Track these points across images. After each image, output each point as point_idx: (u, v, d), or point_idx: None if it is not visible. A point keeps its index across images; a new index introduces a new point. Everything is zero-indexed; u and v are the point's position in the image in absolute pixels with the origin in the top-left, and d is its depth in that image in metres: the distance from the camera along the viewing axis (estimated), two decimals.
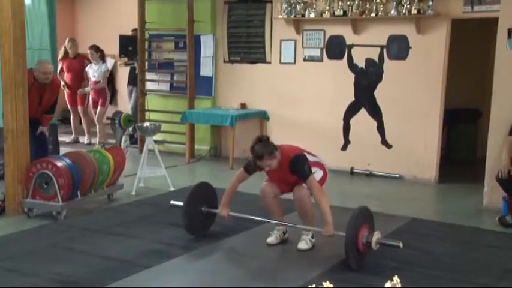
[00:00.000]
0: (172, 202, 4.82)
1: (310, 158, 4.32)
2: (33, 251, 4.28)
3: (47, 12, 6.88)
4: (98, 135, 8.61)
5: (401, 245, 3.98)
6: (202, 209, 4.62)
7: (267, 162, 4.18)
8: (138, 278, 3.80)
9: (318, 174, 4.33)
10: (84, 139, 9.05)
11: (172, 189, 6.28)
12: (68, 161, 5.21)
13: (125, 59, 9.23)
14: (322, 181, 4.37)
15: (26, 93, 5.24)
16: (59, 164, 5.11)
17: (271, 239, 4.48)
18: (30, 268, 3.93)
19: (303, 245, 4.34)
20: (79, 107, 9.03)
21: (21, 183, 5.17)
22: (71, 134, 9.22)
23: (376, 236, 4.01)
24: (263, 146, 4.18)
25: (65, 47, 8.91)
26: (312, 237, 4.38)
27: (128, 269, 3.91)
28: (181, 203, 4.59)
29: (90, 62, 8.80)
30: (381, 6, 6.89)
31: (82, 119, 9.13)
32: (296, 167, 4.21)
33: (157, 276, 3.85)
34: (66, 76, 8.91)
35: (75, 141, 9.02)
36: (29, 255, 4.18)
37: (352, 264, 3.96)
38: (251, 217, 4.55)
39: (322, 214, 4.15)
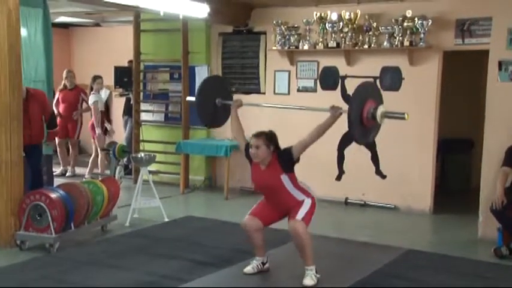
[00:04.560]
0: (188, 98, 5.07)
1: (300, 185, 4.34)
2: (23, 284, 4.23)
3: (43, 44, 6.92)
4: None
5: (406, 116, 3.93)
6: (216, 101, 4.64)
7: (259, 143, 4.22)
8: None
9: (306, 202, 4.29)
10: (68, 171, 9.00)
11: (166, 220, 6.25)
12: (61, 192, 5.19)
13: (120, 90, 9.27)
14: (311, 210, 4.29)
15: (21, 125, 5.25)
16: (53, 195, 5.08)
17: (247, 269, 4.45)
18: None
19: (308, 280, 4.23)
20: (70, 139, 8.98)
21: (14, 215, 5.14)
22: (59, 165, 9.13)
23: (381, 109, 3.94)
24: (269, 133, 4.32)
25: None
26: (316, 272, 4.28)
27: None
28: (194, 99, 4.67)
29: (85, 95, 8.81)
30: (374, 38, 6.99)
31: (71, 150, 9.06)
32: (283, 151, 4.26)
33: None
34: (61, 107, 8.90)
35: (63, 174, 8.93)
36: None
37: (355, 134, 3.96)
38: (265, 105, 4.53)
39: (320, 126, 4.25)
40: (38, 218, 5.06)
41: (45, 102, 5.98)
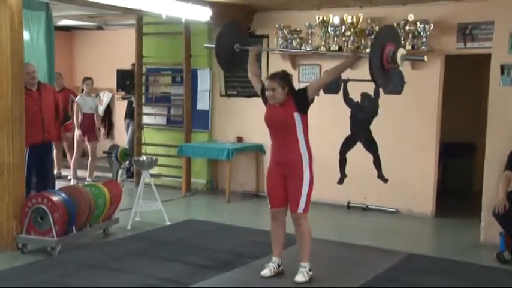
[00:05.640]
0: (206, 45, 5.39)
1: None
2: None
3: (45, 47, 6.95)
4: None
5: (425, 58, 4.07)
6: (235, 47, 4.72)
7: (274, 85, 4.26)
8: None
9: (305, 178, 4.33)
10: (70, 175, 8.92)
11: (168, 223, 6.24)
12: (63, 195, 5.18)
13: (122, 93, 9.28)
14: (309, 194, 4.35)
15: (23, 127, 5.25)
16: (55, 198, 5.08)
17: (265, 272, 4.44)
18: None
19: (300, 277, 4.31)
20: (64, 142, 8.94)
21: (16, 218, 5.13)
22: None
23: (401, 52, 3.97)
24: (283, 73, 4.37)
25: None
26: (310, 270, 4.34)
27: None
28: (213, 45, 4.78)
29: (75, 96, 8.64)
30: None
31: (68, 154, 9.03)
32: (299, 90, 4.36)
33: None
34: None
35: (58, 177, 8.88)
36: None
37: (378, 80, 4.00)
38: (280, 50, 4.63)
39: (338, 67, 4.34)
40: (40, 221, 5.06)
41: (55, 93, 6.20)
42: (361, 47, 7.09)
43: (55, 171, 8.87)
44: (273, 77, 4.35)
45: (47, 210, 5.00)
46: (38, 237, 5.07)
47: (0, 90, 5.14)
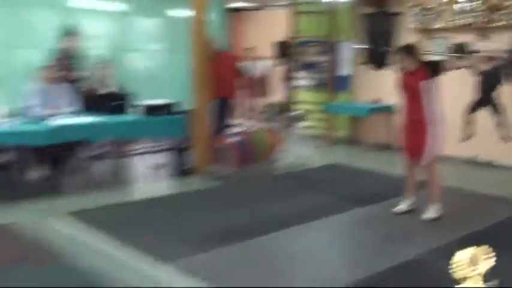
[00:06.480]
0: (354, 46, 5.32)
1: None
2: (208, 205, 4.81)
3: (220, 25, 7.37)
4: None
5: None
6: (383, 49, 4.97)
7: (401, 57, 4.34)
8: (294, 230, 4.06)
9: (430, 131, 4.33)
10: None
11: (317, 165, 6.54)
12: (239, 138, 5.76)
13: (280, 61, 9.55)
14: (433, 147, 4.35)
15: (209, 85, 5.81)
16: (233, 140, 5.67)
17: (398, 208, 4.54)
18: (202, 213, 4.45)
19: (428, 214, 4.34)
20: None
21: (207, 154, 5.82)
22: None
23: None
24: (408, 47, 4.44)
25: None
26: (438, 209, 4.34)
27: (287, 223, 4.15)
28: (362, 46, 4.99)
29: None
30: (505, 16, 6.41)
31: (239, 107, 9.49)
32: (432, 62, 4.44)
33: (303, 233, 4.03)
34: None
35: (233, 124, 9.34)
36: (204, 205, 4.74)
37: None
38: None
39: (475, 63, 4.66)
40: (223, 156, 5.66)
41: (233, 57, 6.71)
42: (492, 22, 6.57)
43: (232, 120, 9.49)
44: (399, 50, 4.45)
45: (227, 149, 5.52)
46: (222, 167, 5.70)
47: (195, 56, 5.65)
